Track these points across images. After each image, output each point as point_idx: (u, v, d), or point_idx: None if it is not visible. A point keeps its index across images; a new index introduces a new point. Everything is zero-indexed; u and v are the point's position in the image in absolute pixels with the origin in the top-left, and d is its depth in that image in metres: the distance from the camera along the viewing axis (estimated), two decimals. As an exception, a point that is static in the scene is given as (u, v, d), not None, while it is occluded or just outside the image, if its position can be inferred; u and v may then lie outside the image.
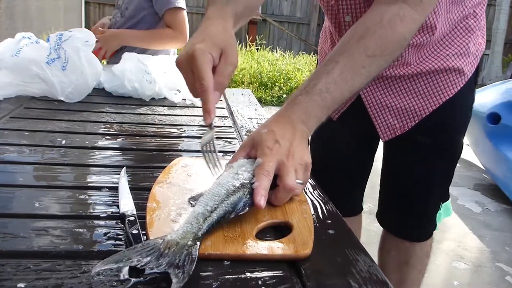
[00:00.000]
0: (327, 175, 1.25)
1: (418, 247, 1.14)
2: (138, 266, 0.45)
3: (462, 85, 0.97)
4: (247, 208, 0.58)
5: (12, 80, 1.21)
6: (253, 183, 0.60)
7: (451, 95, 0.97)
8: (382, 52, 0.73)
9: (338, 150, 1.20)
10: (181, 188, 0.67)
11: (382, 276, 0.51)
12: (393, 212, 1.17)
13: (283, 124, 0.68)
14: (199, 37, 0.68)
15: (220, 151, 0.91)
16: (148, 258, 0.46)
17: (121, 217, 0.58)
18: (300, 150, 0.66)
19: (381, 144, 1.16)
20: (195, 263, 0.46)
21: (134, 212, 0.59)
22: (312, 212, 0.65)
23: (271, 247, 0.53)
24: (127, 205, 0.61)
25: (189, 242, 0.49)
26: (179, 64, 0.68)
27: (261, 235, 0.57)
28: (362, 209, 1.32)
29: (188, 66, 0.66)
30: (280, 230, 0.59)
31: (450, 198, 1.16)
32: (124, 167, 0.74)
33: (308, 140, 0.71)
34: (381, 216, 1.21)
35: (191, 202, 0.61)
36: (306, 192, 0.72)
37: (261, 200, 0.57)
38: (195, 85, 0.65)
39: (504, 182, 3.00)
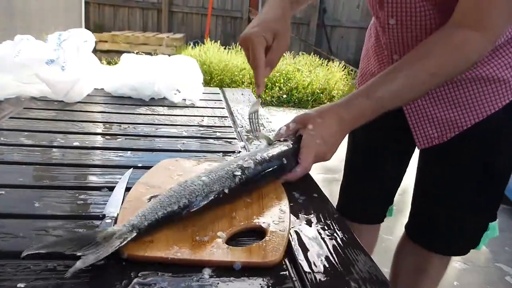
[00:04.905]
0: (359, 179, 1.23)
1: (438, 257, 1.08)
2: (68, 253, 0.47)
3: (509, 100, 0.92)
4: (200, 206, 0.59)
5: (12, 81, 1.21)
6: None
7: (497, 109, 0.92)
8: (447, 73, 0.81)
9: (373, 154, 1.18)
10: (158, 189, 0.65)
11: (381, 276, 0.51)
12: (430, 227, 1.08)
13: (333, 114, 0.80)
14: (256, 21, 0.85)
15: (219, 151, 0.91)
16: (81, 248, 0.47)
17: (102, 218, 0.58)
18: (333, 148, 0.79)
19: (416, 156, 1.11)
20: (110, 252, 0.47)
21: (116, 214, 0.59)
22: (312, 212, 0.65)
23: (239, 254, 0.52)
24: (112, 205, 0.61)
25: (124, 234, 0.50)
26: (241, 43, 0.85)
27: (235, 237, 0.57)
28: (385, 216, 1.27)
29: (246, 45, 0.83)
30: (254, 233, 0.58)
31: (497, 219, 1.09)
32: (131, 168, 0.75)
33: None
34: (414, 230, 1.12)
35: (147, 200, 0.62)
36: (306, 193, 0.72)
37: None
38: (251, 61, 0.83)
39: (504, 182, 3.00)
